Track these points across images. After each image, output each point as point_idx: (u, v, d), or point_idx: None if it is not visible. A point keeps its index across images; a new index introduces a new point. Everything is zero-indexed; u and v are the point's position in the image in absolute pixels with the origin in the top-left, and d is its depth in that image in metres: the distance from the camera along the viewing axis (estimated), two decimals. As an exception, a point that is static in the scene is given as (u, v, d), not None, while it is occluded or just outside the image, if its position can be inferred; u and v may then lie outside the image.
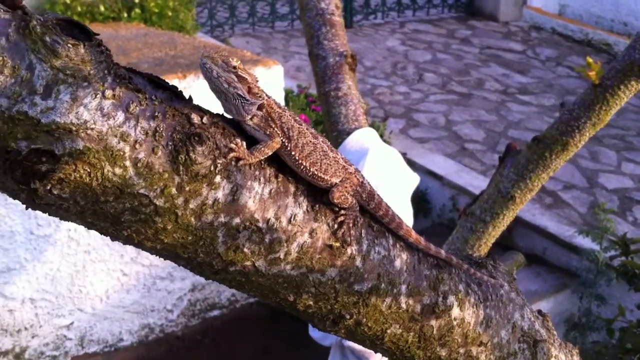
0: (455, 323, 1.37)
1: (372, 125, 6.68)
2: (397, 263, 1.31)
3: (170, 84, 1.12)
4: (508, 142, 6.02)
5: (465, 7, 12.74)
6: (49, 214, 1.08)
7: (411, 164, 6.86)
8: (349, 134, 2.87)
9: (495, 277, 1.45)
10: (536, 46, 11.46)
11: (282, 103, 5.74)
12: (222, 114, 1.22)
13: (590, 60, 2.32)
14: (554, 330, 1.57)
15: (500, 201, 2.54)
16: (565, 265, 6.18)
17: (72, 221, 1.09)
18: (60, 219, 1.09)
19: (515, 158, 2.53)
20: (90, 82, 0.99)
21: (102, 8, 7.69)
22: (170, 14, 8.01)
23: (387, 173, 2.82)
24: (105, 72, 1.02)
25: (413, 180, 2.96)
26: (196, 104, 1.15)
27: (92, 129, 0.99)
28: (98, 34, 1.02)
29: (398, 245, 1.34)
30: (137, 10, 7.82)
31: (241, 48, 9.16)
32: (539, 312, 1.57)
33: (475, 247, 2.62)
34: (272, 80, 5.71)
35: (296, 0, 3.13)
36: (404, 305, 1.31)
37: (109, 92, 1.01)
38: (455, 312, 1.37)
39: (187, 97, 1.15)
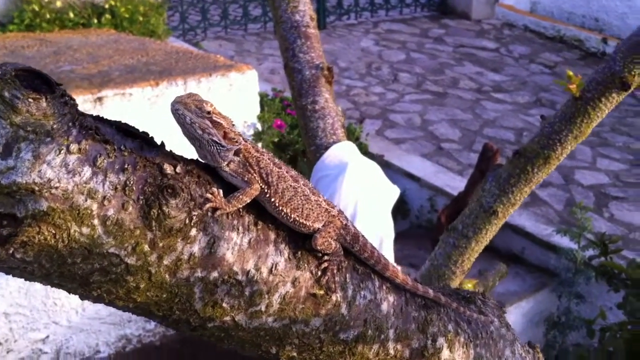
0: (445, 365, 1.32)
1: (348, 128, 6.63)
2: (384, 307, 1.25)
3: (141, 130, 1.06)
4: (485, 142, 6.01)
5: (437, 5, 12.72)
6: (12, 275, 1.00)
7: (388, 165, 6.82)
8: (327, 148, 2.81)
9: (484, 313, 1.40)
10: (509, 44, 11.48)
11: (257, 108, 5.69)
12: (197, 160, 1.15)
13: (570, 73, 2.29)
14: (544, 363, 1.53)
15: (482, 216, 2.50)
16: (543, 265, 6.19)
17: (36, 282, 1.02)
18: (25, 279, 1.02)
19: (496, 172, 2.49)
20: (54, 137, 0.92)
21: (71, 14, 7.56)
22: (141, 19, 7.89)
23: (367, 187, 2.77)
24: (70, 124, 0.95)
25: (394, 193, 2.91)
26: (169, 150, 1.08)
27: (56, 187, 0.92)
28: (61, 84, 0.95)
29: (384, 287, 1.28)
30: (108, 16, 7.69)
31: (214, 51, 9.06)
32: (529, 344, 1.53)
33: (458, 263, 2.57)
34: (246, 86, 5.64)
35: (268, 2, 3.05)
36: (392, 351, 1.26)
37: (74, 147, 0.94)
38: (445, 354, 1.32)
39: (159, 143, 1.09)
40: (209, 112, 1.14)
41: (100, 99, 4.89)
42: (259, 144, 5.87)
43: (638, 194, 7.28)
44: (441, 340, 1.31)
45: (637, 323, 3.74)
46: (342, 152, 2.80)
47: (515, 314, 5.75)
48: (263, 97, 6.45)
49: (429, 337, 1.30)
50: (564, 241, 5.82)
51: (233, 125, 1.18)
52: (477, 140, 8.07)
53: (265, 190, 1.17)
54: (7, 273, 0.99)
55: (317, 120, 2.81)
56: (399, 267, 1.32)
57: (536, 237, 6.18)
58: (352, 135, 6.42)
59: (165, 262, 1.02)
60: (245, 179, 1.15)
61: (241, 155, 1.17)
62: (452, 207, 5.93)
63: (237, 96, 5.64)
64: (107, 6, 7.81)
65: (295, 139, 6.32)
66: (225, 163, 1.15)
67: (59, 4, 7.76)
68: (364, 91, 9.11)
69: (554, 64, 10.74)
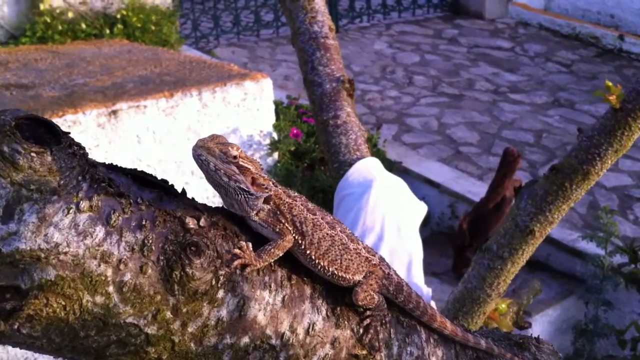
0: None
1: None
2: (432, 363, 1.13)
3: (160, 178, 0.93)
4: (505, 147, 5.87)
5: (450, 6, 12.55)
6: (20, 348, 0.89)
7: (407, 172, 6.70)
8: (350, 164, 2.68)
9: (539, 360, 1.27)
10: (524, 42, 11.30)
11: (273, 117, 5.58)
12: (222, 207, 1.03)
13: (609, 83, 2.15)
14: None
15: (518, 236, 2.36)
16: (569, 271, 6.03)
17: (46, 354, 0.90)
18: (33, 352, 0.90)
19: (531, 189, 2.35)
20: (61, 194, 0.80)
21: (83, 25, 7.48)
22: (153, 28, 7.81)
23: (394, 204, 2.63)
24: (80, 178, 0.83)
25: (421, 209, 2.78)
26: (191, 199, 0.96)
27: (65, 253, 0.80)
28: (68, 133, 0.83)
29: (432, 340, 1.15)
30: (120, 26, 7.61)
31: (227, 59, 8.96)
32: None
33: (493, 286, 2.43)
34: (261, 95, 5.55)
35: (285, 13, 2.93)
36: (442, 412, 1.13)
37: (84, 204, 0.82)
38: (500, 411, 1.19)
39: (179, 191, 0.97)
40: (235, 157, 1.01)
41: (114, 112, 4.80)
42: (275, 154, 5.76)
43: (662, 195, 7.11)
44: (495, 397, 1.19)
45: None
46: (366, 168, 2.67)
47: (542, 322, 5.60)
48: (278, 105, 6.35)
49: (482, 394, 1.17)
50: (590, 247, 5.67)
51: (262, 169, 1.05)
52: (496, 143, 7.92)
53: (300, 242, 1.04)
54: (14, 346, 0.88)
55: (339, 135, 2.69)
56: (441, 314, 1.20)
57: (561, 242, 6.03)
58: (369, 141, 6.29)
59: (190, 329, 0.90)
60: (277, 229, 1.02)
61: (272, 202, 1.04)
62: (474, 214, 5.80)
63: (252, 105, 5.54)
64: (119, 16, 7.73)
65: (312, 147, 6.20)
66: (255, 212, 1.02)
67: (70, 15, 7.69)
68: (379, 95, 8.98)
69: (571, 62, 10.56)
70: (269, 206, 1.04)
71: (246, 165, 1.02)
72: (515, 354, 1.23)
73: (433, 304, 2.65)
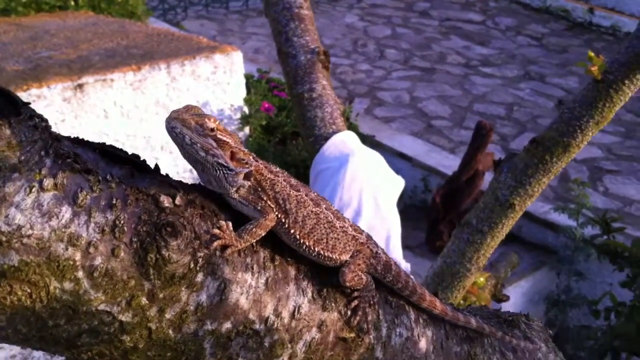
0: (491, 405, 1.15)
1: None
2: (422, 344, 1.07)
3: (130, 152, 0.86)
4: (478, 120, 5.85)
5: (421, -23, 12.45)
6: (-19, 339, 0.82)
7: (380, 146, 6.65)
8: (326, 138, 2.61)
9: (530, 338, 1.23)
10: (495, 16, 11.28)
11: (244, 91, 5.47)
12: (199, 184, 0.96)
13: (592, 54, 2.10)
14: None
15: (498, 210, 2.32)
16: (541, 243, 6.07)
17: (13, 345, 0.83)
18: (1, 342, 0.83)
19: (511, 162, 2.30)
20: (22, 171, 0.73)
21: (48, -4, 7.25)
22: (119, -1, 7.60)
23: (371, 179, 2.57)
24: (42, 153, 0.75)
25: (398, 183, 2.72)
26: (165, 175, 0.89)
27: (29, 235, 0.73)
28: (29, 103, 0.75)
29: (421, 320, 1.10)
30: (84, -2, 7.38)
31: (195, 32, 8.79)
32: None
33: (473, 260, 2.40)
34: (231, 68, 5.44)
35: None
36: (433, 395, 1.09)
37: (48, 182, 0.75)
38: (491, 392, 1.15)
39: (152, 167, 0.89)
40: (212, 130, 0.93)
41: (80, 85, 4.67)
42: (246, 128, 5.67)
43: (631, 167, 7.17)
44: (487, 377, 1.14)
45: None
46: (342, 142, 2.61)
47: (515, 294, 5.64)
48: (249, 78, 6.23)
49: (474, 375, 1.13)
50: (562, 218, 5.70)
51: (241, 142, 0.98)
52: (468, 117, 7.91)
53: (283, 220, 0.97)
54: (-26, 337, 0.80)
55: (314, 109, 2.61)
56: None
57: (533, 215, 6.05)
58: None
59: (167, 315, 0.83)
60: (259, 207, 0.95)
61: (252, 178, 0.97)
62: (447, 187, 5.78)
63: (222, 79, 5.43)
64: (84, -13, 7.49)
65: (284, 121, 6.12)
66: (234, 189, 0.95)
67: (34, -14, 7.44)
68: (350, 69, 8.89)
69: (541, 35, 10.57)
70: (249, 182, 0.97)
71: (224, 138, 0.95)
72: (505, 332, 1.19)
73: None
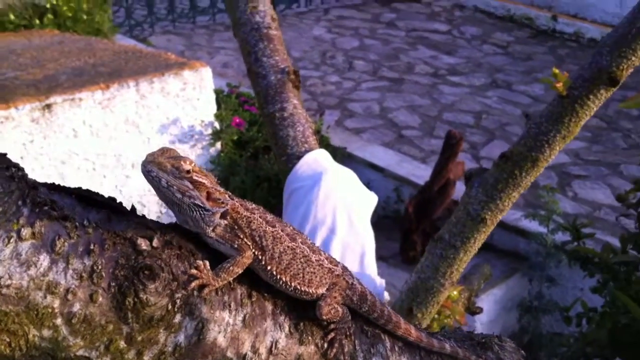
0: None
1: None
2: (399, 372, 1.09)
3: (107, 196, 0.86)
4: (448, 130, 5.91)
5: (387, -12, 12.58)
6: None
7: (351, 157, 6.68)
8: (299, 157, 2.62)
9: (502, 359, 1.25)
10: (460, 25, 11.42)
11: (214, 106, 5.47)
12: (175, 224, 0.96)
13: (556, 71, 2.14)
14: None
15: (470, 224, 2.35)
16: (513, 250, 6.14)
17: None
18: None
19: (482, 177, 2.34)
20: (0, 223, 0.73)
21: (12, 16, 7.19)
22: (85, 17, 7.55)
23: (345, 196, 2.59)
24: (20, 203, 0.76)
25: (372, 200, 2.74)
26: (141, 217, 0.89)
27: (7, 286, 0.73)
28: (4, 154, 0.76)
29: (396, 348, 1.12)
30: (50, 16, 7.33)
31: (163, 47, 8.76)
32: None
33: (447, 275, 2.42)
34: (201, 84, 5.44)
35: (225, 2, 2.84)
36: (410, 422, 1.10)
37: (26, 231, 0.75)
38: (468, 416, 1.17)
39: (129, 209, 0.90)
40: (188, 172, 0.95)
41: (49, 106, 4.63)
42: (218, 144, 5.66)
43: (599, 172, 7.29)
44: (462, 401, 1.16)
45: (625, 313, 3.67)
46: (315, 161, 2.62)
47: (488, 301, 5.69)
48: (218, 93, 6.23)
49: (450, 400, 1.15)
50: (533, 225, 5.77)
51: (217, 182, 0.99)
52: (437, 126, 7.99)
53: (259, 257, 0.98)
54: (-48, 387, 0.80)
55: (286, 128, 2.63)
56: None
57: (504, 222, 6.11)
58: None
59: (145, 358, 0.84)
60: (235, 245, 0.96)
61: (229, 217, 0.98)
62: (419, 197, 5.82)
63: (192, 95, 5.43)
64: (48, 5, 7.44)
65: (255, 135, 6.13)
66: (211, 229, 0.96)
67: (-3, 5, 7.38)
68: (320, 81, 8.93)
69: (506, 43, 10.72)
70: (225, 221, 0.98)
71: (200, 179, 0.96)
72: (479, 355, 1.21)
73: (386, 294, 2.63)
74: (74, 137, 4.69)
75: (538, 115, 2.25)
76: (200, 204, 0.95)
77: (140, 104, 5.00)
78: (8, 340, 0.74)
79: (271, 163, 5.98)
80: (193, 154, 5.52)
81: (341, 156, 6.40)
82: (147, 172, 0.93)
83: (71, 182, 4.72)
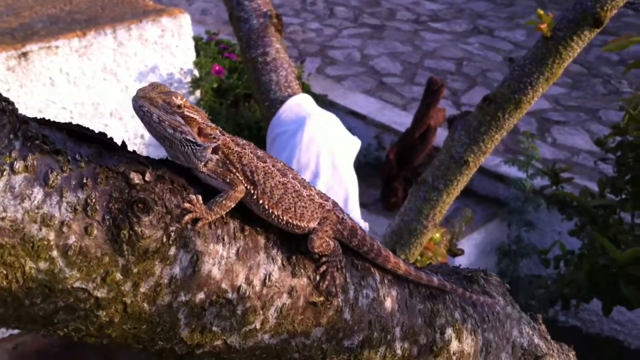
0: (454, 358, 1.20)
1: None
2: (388, 304, 1.11)
3: (97, 131, 0.86)
4: (429, 77, 5.90)
5: None
6: (-43, 321, 0.82)
7: (332, 105, 6.67)
8: (282, 102, 2.62)
9: (489, 293, 1.28)
10: (442, -31, 11.27)
11: (193, 54, 5.40)
12: (167, 159, 0.97)
13: (541, 12, 2.14)
14: (548, 336, 1.43)
15: (453, 167, 2.37)
16: (492, 195, 6.20)
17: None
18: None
19: (465, 120, 2.35)
20: (-8, 155, 0.73)
21: (-19, -39, 6.98)
22: (58, -38, 7.35)
23: (328, 141, 2.60)
24: (11, 136, 0.75)
25: (355, 144, 2.75)
26: (132, 152, 0.89)
27: (2, 218, 0.73)
28: (-7, 87, 0.75)
29: (386, 281, 1.14)
30: (22, -38, 7.13)
31: (140, -6, 8.58)
32: (531, 316, 1.42)
33: (430, 217, 2.46)
34: (179, 31, 5.35)
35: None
36: (399, 351, 1.13)
37: (18, 164, 0.75)
38: (454, 345, 1.20)
39: (119, 144, 0.90)
40: (179, 107, 0.94)
41: (25, 54, 4.55)
42: (197, 92, 5.61)
43: (578, 117, 7.33)
44: (449, 332, 1.19)
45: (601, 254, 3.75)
46: (298, 105, 2.62)
47: (468, 246, 5.77)
48: (197, 41, 6.15)
49: (437, 330, 1.18)
50: (512, 171, 5.83)
51: (208, 118, 0.99)
52: (419, 73, 7.96)
53: (252, 191, 0.99)
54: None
55: (269, 73, 2.61)
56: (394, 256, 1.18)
57: (484, 168, 6.15)
58: (293, 76, 6.18)
59: (142, 289, 0.85)
60: (227, 179, 0.97)
61: (220, 152, 0.99)
62: (400, 144, 5.84)
63: (171, 42, 5.34)
64: (20, -50, 7.23)
65: (235, 83, 6.08)
66: (203, 164, 0.96)
67: (-33, -50, 7.16)
68: (300, 28, 8.83)
69: (488, -12, 10.63)
70: (217, 156, 0.98)
71: (192, 115, 0.96)
72: (465, 288, 1.24)
73: (369, 238, 2.66)
74: (51, 86, 4.62)
75: (521, 57, 2.26)
76: (192, 139, 0.95)
77: (118, 51, 4.92)
78: (5, 272, 0.75)
79: (252, 111, 5.95)
80: (173, 102, 5.46)
81: (322, 104, 6.34)
82: (138, 107, 0.93)
83: (51, 131, 4.69)
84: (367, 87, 7.49)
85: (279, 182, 1.03)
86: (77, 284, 0.80)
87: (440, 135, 6.10)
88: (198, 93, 5.70)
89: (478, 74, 7.98)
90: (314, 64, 7.85)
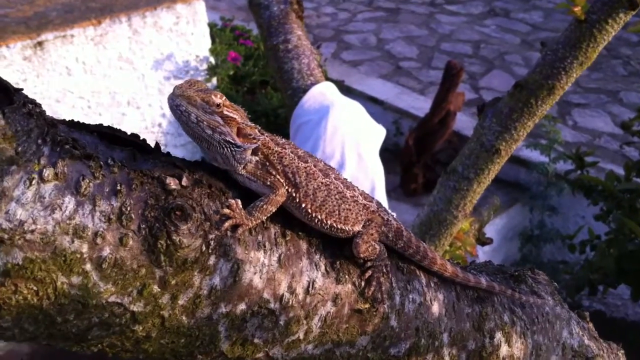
0: (504, 363, 1.14)
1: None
2: (435, 308, 1.05)
3: (129, 132, 0.80)
4: (447, 61, 5.80)
5: None
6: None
7: (350, 91, 6.59)
8: (305, 91, 2.55)
9: (537, 292, 1.22)
10: (458, -50, 11.10)
11: (208, 41, 5.34)
12: (203, 160, 0.91)
13: (574, -7, 2.06)
14: (597, 335, 1.36)
15: (484, 156, 2.30)
16: (514, 180, 6.12)
17: (21, 342, 0.79)
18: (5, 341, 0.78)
19: (495, 107, 2.27)
20: (20, 163, 0.67)
21: (-6, -49, 6.93)
22: (71, -50, 7.29)
23: (353, 130, 2.53)
24: (39, 142, 0.69)
25: (380, 133, 2.68)
26: (167, 155, 0.83)
27: (32, 231, 0.68)
28: (21, 89, 0.69)
29: (432, 284, 1.08)
30: (34, -50, 7.07)
31: (153, -20, 8.51)
32: (579, 314, 1.36)
33: (460, 207, 2.39)
34: (194, 17, 5.29)
35: None
36: (447, 358, 1.07)
37: (48, 172, 0.69)
38: (504, 350, 1.14)
39: (152, 146, 0.84)
40: (219, 106, 0.88)
41: (40, 43, 4.51)
42: (214, 79, 5.55)
43: (599, 100, 7.22)
44: (498, 336, 1.13)
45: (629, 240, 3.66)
46: (322, 94, 2.55)
47: (490, 231, 5.68)
48: (212, 27, 6.08)
49: (486, 335, 1.11)
50: (534, 155, 5.74)
51: (247, 117, 0.93)
52: (436, 57, 7.86)
53: (293, 195, 0.93)
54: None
55: (291, 60, 2.54)
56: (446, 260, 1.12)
57: (505, 153, 6.06)
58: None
59: (180, 302, 0.79)
60: (268, 182, 0.91)
61: (260, 153, 0.92)
62: (419, 130, 5.76)
63: (186, 29, 5.29)
64: (32, -61, 7.17)
65: (252, 70, 6.01)
66: (242, 166, 0.90)
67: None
68: (314, 12, 8.73)
69: (505, -32, 10.45)
70: (257, 158, 0.92)
71: (231, 114, 0.89)
72: (514, 288, 1.17)
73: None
74: (67, 75, 4.58)
75: (554, 42, 2.17)
76: (231, 141, 0.89)
77: (133, 39, 4.87)
78: (35, 288, 0.69)
79: (268, 98, 5.88)
80: (190, 90, 5.42)
81: (340, 90, 6.30)
82: (175, 107, 0.87)
83: (67, 122, 4.65)
84: (384, 72, 7.40)
85: (322, 183, 0.96)
86: (112, 299, 0.75)
87: (460, 120, 6.01)
88: (215, 80, 5.64)
89: (496, 56, 7.86)
90: (329, 49, 7.76)
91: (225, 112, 0.89)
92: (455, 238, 2.65)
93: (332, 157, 2.44)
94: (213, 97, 0.88)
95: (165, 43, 5.14)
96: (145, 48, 5.03)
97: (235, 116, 0.90)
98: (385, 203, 2.50)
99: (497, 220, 5.85)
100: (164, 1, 5.22)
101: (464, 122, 6.25)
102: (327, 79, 6.35)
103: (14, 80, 4.36)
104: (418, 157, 5.71)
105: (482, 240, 2.87)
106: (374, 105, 6.56)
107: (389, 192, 6.00)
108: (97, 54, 4.75)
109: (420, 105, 6.46)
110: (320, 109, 2.50)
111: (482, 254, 5.44)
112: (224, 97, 0.88)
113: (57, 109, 4.64)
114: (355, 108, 2.61)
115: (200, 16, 5.32)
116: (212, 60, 5.52)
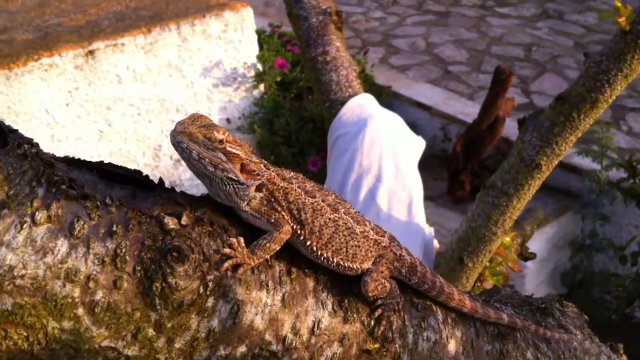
0: (526, 403, 1.09)
1: (352, 59, 6.27)
2: (452, 346, 1.01)
3: (132, 168, 0.79)
4: (497, 65, 5.69)
5: None
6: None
7: (397, 96, 6.53)
8: (343, 103, 2.52)
9: (564, 326, 1.16)
10: (511, -48, 10.91)
11: (256, 48, 5.36)
12: (207, 196, 0.89)
13: (618, 4, 1.97)
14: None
15: (524, 171, 2.23)
16: (564, 187, 5.96)
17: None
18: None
19: (536, 120, 2.20)
20: (11, 207, 0.66)
21: (49, -40, 7.10)
22: (123, -41, 7.43)
23: (391, 143, 2.49)
24: (33, 184, 0.69)
25: (419, 145, 2.63)
26: (170, 191, 0.82)
27: (22, 276, 0.67)
28: (15, 130, 0.69)
29: (449, 321, 1.03)
30: (88, -41, 7.23)
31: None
32: (611, 347, 1.29)
33: (499, 223, 2.32)
34: (242, 25, 5.33)
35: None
36: (464, 398, 1.03)
37: (40, 215, 0.68)
38: (526, 389, 1.09)
39: (156, 182, 0.82)
40: (221, 142, 0.86)
41: (91, 52, 4.60)
42: (261, 86, 5.57)
43: (655, 104, 6.99)
44: (521, 374, 1.08)
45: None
46: (360, 106, 2.51)
47: (540, 240, 5.57)
48: (260, 34, 6.09)
49: (507, 374, 1.07)
50: (586, 162, 5.58)
51: (252, 152, 0.90)
52: (485, 60, 7.72)
53: (298, 232, 0.90)
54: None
55: (329, 72, 2.52)
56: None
57: (556, 159, 5.91)
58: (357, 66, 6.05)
59: (177, 345, 0.78)
60: (272, 219, 0.88)
61: (264, 189, 0.90)
62: (467, 136, 5.67)
63: (234, 37, 5.33)
64: (86, -52, 7.32)
65: (299, 76, 6.00)
66: (245, 203, 0.88)
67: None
68: (363, 17, 8.69)
69: (559, -30, 10.23)
70: (261, 194, 0.89)
71: (234, 150, 0.87)
72: (539, 322, 1.12)
73: (435, 242, 2.54)
74: (118, 83, 4.66)
75: (597, 53, 2.10)
76: (234, 177, 0.86)
77: (183, 47, 4.93)
78: (25, 334, 0.68)
79: (315, 104, 5.87)
80: (237, 97, 5.45)
81: (386, 95, 6.24)
82: (177, 143, 0.85)
83: (118, 128, 4.73)
84: (432, 77, 7.30)
85: (329, 219, 0.93)
86: (105, 343, 0.73)
87: (509, 126, 5.90)
88: (262, 87, 5.66)
89: (548, 60, 7.68)
90: (378, 53, 7.70)
91: (228, 148, 0.87)
92: (496, 253, 2.59)
93: (369, 170, 2.41)
94: (215, 133, 0.85)
95: (213, 50, 5.19)
96: (194, 56, 5.09)
97: (238, 152, 0.88)
98: (422, 217, 2.46)
99: (547, 229, 5.71)
100: (212, 9, 5.28)
101: (513, 128, 6.12)
102: (375, 84, 6.32)
103: (65, 88, 4.45)
104: (465, 163, 5.62)
105: (525, 256, 2.79)
106: (421, 111, 6.49)
107: (436, 199, 5.92)
108: (147, 62, 4.82)
109: (468, 110, 6.36)
110: (358, 121, 2.46)
111: (531, 264, 5.32)
112: (227, 133, 0.86)
113: (108, 116, 4.73)
114: (394, 120, 2.56)
115: (248, 23, 5.36)
116: (259, 67, 5.54)
